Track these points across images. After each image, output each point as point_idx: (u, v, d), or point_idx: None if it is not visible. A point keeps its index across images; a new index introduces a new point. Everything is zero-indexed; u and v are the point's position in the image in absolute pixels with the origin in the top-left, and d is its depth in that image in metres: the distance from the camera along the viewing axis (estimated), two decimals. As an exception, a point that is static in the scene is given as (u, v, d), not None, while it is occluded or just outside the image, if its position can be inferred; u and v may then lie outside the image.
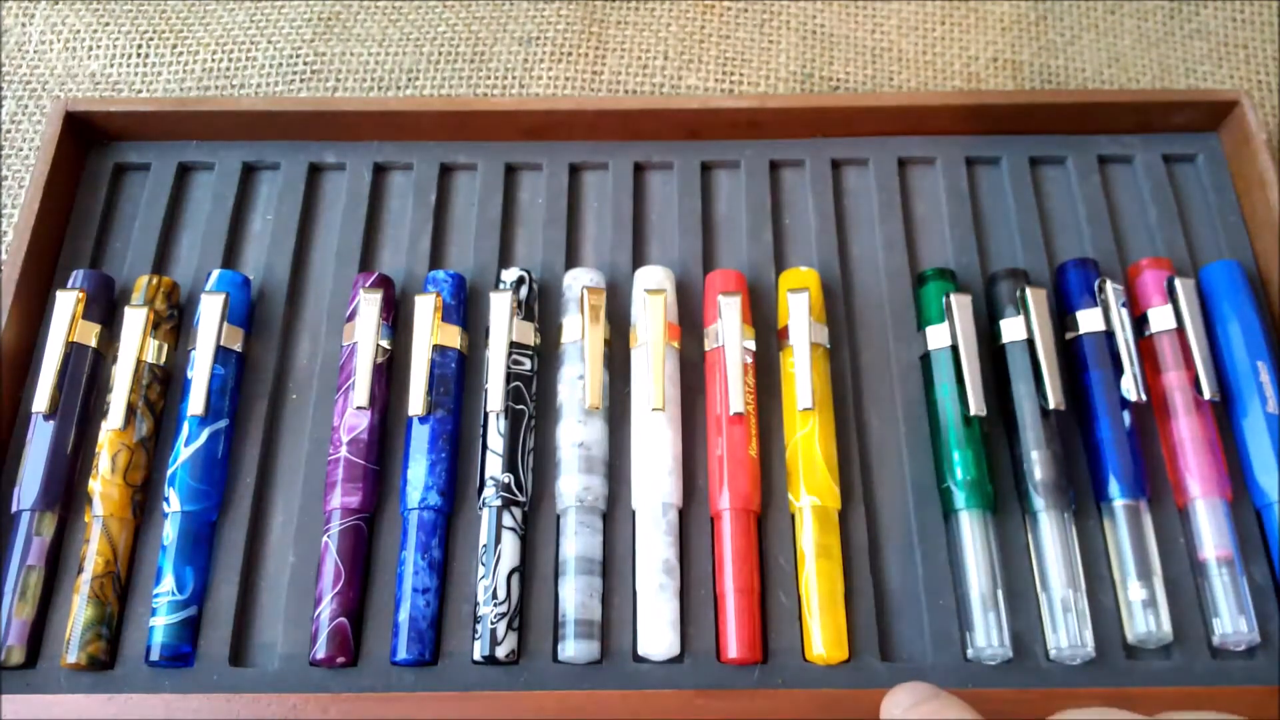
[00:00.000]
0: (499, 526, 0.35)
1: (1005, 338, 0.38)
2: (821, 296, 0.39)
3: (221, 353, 0.37)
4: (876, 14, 0.50)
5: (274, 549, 0.36)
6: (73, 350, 0.37)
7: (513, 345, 0.37)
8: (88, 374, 0.37)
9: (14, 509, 0.35)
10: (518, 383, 0.37)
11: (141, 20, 0.49)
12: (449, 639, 0.34)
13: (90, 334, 0.38)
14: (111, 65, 0.48)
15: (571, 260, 0.41)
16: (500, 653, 0.34)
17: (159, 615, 0.34)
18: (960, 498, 0.36)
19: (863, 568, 0.35)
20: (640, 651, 0.34)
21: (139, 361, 0.37)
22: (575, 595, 0.34)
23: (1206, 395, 0.37)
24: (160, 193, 0.42)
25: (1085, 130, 0.43)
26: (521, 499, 0.36)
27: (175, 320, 0.39)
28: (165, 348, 0.38)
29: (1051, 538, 0.35)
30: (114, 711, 0.32)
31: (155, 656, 0.34)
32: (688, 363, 0.39)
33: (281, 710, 0.32)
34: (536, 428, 0.37)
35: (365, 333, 0.37)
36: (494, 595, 0.34)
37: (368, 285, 0.38)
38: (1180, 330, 0.38)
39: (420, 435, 0.36)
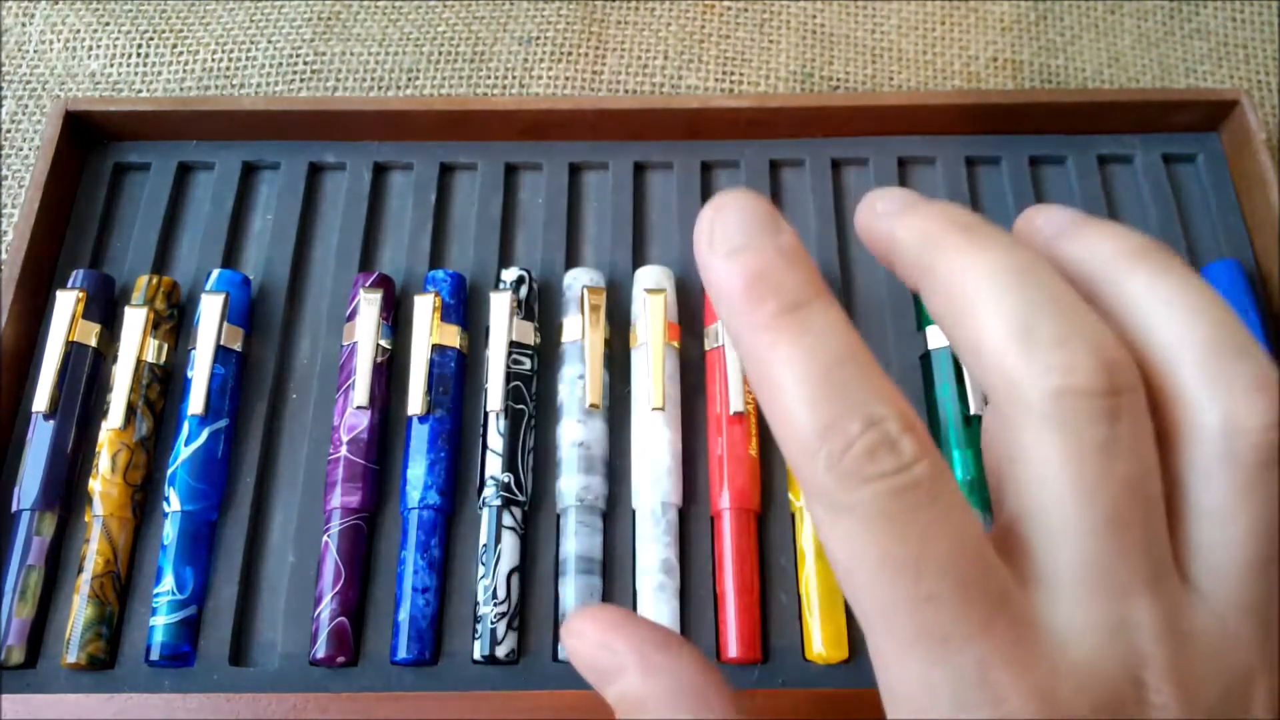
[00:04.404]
0: (499, 526, 0.35)
1: (1005, 337, 0.38)
2: (821, 296, 0.39)
3: (221, 352, 0.37)
4: (876, 14, 0.50)
5: (274, 549, 0.36)
6: (73, 350, 0.37)
7: (513, 345, 0.37)
8: (88, 374, 0.37)
9: (14, 509, 0.35)
10: (518, 382, 0.37)
11: (141, 20, 0.49)
12: (449, 639, 0.34)
13: (90, 334, 0.38)
14: (111, 65, 0.48)
15: (571, 260, 0.41)
16: (500, 652, 0.34)
17: (159, 615, 0.34)
18: (960, 497, 0.36)
19: (863, 567, 0.35)
20: (640, 651, 0.34)
21: (139, 361, 0.37)
22: (575, 595, 0.34)
23: (1206, 395, 0.37)
24: (160, 193, 0.42)
25: (1085, 130, 0.43)
26: (521, 498, 0.36)
27: (175, 320, 0.39)
28: (165, 347, 0.38)
29: (1051, 537, 0.35)
30: (114, 711, 0.32)
31: (155, 656, 0.34)
32: (688, 362, 0.39)
33: (281, 710, 0.32)
34: (536, 427, 0.37)
35: (365, 332, 0.37)
36: (494, 595, 0.34)
37: (368, 285, 0.38)
38: (1180, 330, 0.38)
39: (420, 435, 0.36)
